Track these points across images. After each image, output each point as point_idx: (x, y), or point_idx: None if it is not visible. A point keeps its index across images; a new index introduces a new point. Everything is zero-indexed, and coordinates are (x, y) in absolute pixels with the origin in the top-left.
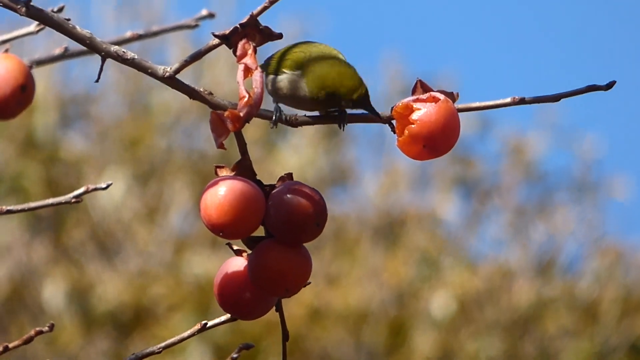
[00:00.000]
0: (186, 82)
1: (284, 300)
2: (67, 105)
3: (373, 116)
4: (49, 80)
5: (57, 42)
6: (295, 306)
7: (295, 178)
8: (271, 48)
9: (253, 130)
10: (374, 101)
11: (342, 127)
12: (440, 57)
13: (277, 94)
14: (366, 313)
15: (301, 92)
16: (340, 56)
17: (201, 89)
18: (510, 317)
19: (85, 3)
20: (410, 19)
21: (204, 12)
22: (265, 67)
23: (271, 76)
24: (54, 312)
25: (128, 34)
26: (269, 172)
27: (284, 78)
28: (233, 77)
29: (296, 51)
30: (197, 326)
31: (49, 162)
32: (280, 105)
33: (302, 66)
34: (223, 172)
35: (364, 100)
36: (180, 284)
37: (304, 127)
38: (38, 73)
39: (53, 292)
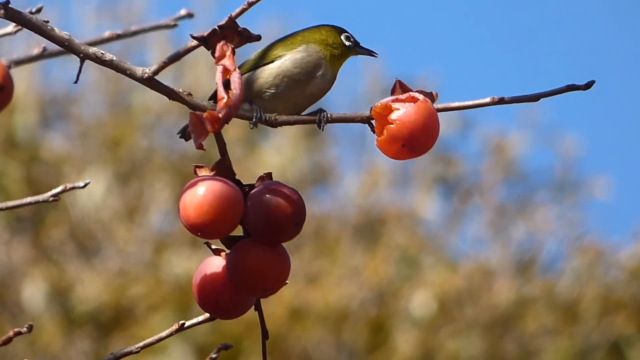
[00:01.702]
0: (166, 82)
1: (263, 300)
2: (48, 105)
3: (352, 116)
4: (29, 80)
5: (36, 42)
6: (275, 305)
7: (276, 177)
8: (250, 49)
9: (234, 130)
10: (355, 101)
11: (321, 128)
12: (421, 58)
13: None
14: (346, 312)
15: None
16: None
17: (180, 90)
18: (490, 316)
19: (65, 3)
20: (390, 19)
21: (183, 12)
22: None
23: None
24: (33, 311)
25: (107, 34)
26: (251, 172)
27: (265, 67)
28: (214, 77)
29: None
30: (175, 326)
31: (30, 161)
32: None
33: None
34: (202, 172)
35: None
36: (160, 284)
37: (284, 126)
38: (18, 73)
39: (33, 292)
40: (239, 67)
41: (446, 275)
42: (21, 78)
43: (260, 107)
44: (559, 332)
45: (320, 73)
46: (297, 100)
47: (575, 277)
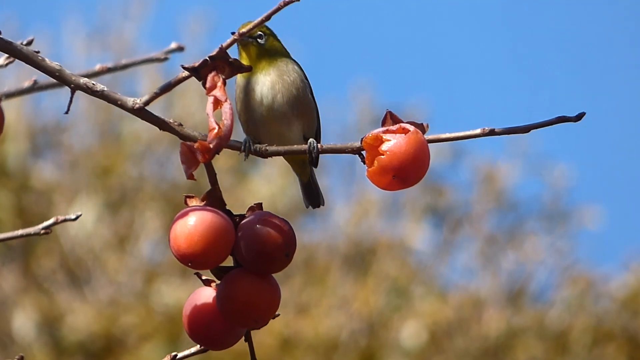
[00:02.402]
0: (157, 111)
1: (254, 330)
2: (38, 134)
3: (342, 147)
4: (20, 109)
5: (27, 72)
6: (265, 335)
7: (266, 207)
8: None
9: (224, 159)
10: (345, 130)
11: (312, 160)
12: (411, 86)
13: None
14: (336, 342)
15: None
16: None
17: (171, 120)
18: (480, 346)
19: (56, 33)
20: (380, 49)
21: (174, 45)
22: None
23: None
24: (24, 341)
25: (97, 67)
26: (241, 201)
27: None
28: (204, 106)
29: None
30: (167, 358)
31: (20, 190)
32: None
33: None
34: (193, 202)
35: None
36: (151, 313)
37: (274, 156)
38: (8, 103)
39: (23, 322)
40: None
41: (436, 305)
42: (11, 107)
43: (255, 137)
44: None
45: (254, 88)
46: (271, 120)
47: (566, 307)
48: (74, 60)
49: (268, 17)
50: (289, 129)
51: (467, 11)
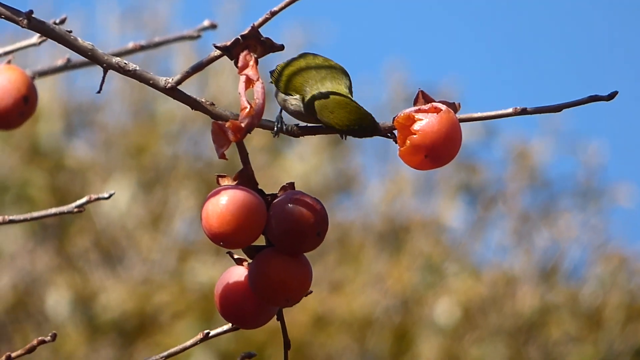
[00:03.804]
0: (191, 90)
1: (287, 308)
2: (72, 114)
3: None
4: (54, 88)
5: (60, 52)
6: (299, 313)
7: (299, 185)
8: (273, 59)
9: (258, 138)
10: (377, 109)
11: (343, 137)
12: (444, 65)
13: (286, 109)
14: (370, 320)
15: (305, 114)
16: (344, 79)
17: (203, 100)
18: (514, 323)
19: (89, 12)
20: (413, 27)
21: (206, 22)
22: (274, 76)
23: (281, 94)
24: (58, 320)
25: (130, 45)
26: (274, 180)
27: (289, 99)
28: (237, 86)
29: (302, 70)
30: (200, 335)
31: (54, 170)
32: (283, 114)
33: (305, 91)
34: (225, 182)
35: (361, 131)
36: (185, 292)
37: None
38: (43, 82)
39: (57, 300)
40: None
41: (470, 283)
42: (45, 86)
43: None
44: (582, 339)
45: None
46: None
47: (599, 284)
48: (107, 39)
49: None
50: None
51: None
